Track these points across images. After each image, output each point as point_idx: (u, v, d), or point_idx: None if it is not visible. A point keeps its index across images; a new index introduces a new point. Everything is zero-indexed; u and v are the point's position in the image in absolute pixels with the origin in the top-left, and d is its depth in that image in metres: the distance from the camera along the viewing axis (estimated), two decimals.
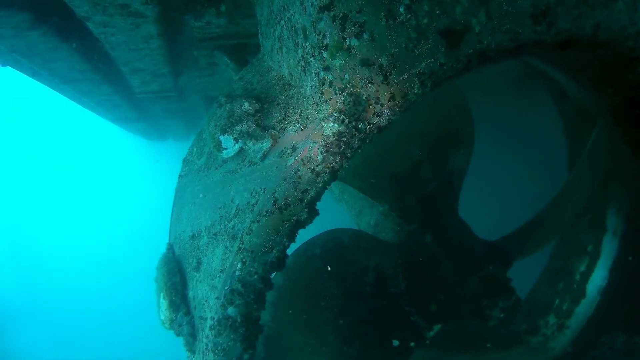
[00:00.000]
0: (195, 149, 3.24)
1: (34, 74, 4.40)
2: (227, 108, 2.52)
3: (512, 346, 3.88)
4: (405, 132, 3.02)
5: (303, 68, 2.27)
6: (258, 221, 2.05)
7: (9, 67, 4.17)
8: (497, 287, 3.24)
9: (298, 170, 2.01)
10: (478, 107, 3.63)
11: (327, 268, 3.48)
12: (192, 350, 2.50)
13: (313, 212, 2.06)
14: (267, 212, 2.04)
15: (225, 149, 2.46)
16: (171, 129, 8.24)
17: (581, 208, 3.87)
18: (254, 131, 2.36)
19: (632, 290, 3.77)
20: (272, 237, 2.05)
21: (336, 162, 1.99)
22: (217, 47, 4.10)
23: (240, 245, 2.09)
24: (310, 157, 1.99)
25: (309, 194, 2.01)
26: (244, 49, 4.07)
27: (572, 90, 3.48)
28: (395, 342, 3.51)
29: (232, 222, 2.26)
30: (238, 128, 2.40)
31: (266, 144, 2.27)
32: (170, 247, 3.14)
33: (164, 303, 2.68)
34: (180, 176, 3.31)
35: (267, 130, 2.33)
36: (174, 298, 2.64)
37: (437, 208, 3.22)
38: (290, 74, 2.51)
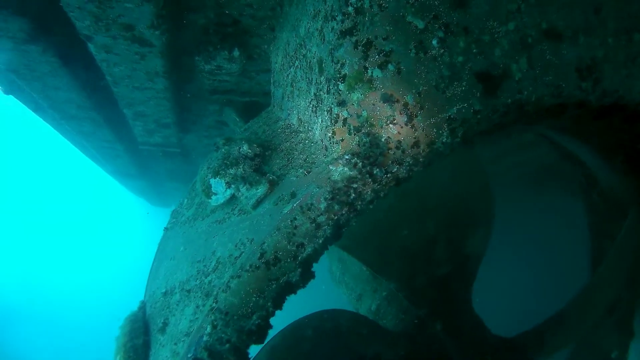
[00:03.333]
0: (186, 200, 2.92)
1: (36, 108, 4.19)
2: (223, 151, 2.22)
3: None
4: (420, 203, 2.69)
5: (314, 109, 1.99)
6: (239, 276, 1.67)
7: (12, 96, 3.98)
8: None
9: (295, 219, 1.65)
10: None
11: (319, 352, 3.02)
12: None
13: (307, 274, 1.67)
14: (251, 266, 1.66)
15: (215, 194, 2.14)
16: (174, 194, 7.91)
17: (606, 309, 3.43)
18: (249, 176, 2.04)
19: None
20: (254, 299, 1.65)
21: (342, 215, 1.64)
22: (228, 102, 3.90)
23: (214, 305, 1.69)
24: (312, 204, 1.65)
25: (305, 250, 1.64)
26: (255, 108, 3.86)
27: (603, 174, 3.18)
28: None
29: (209, 277, 1.87)
30: (232, 171, 2.08)
31: (261, 190, 1.94)
32: (143, 306, 2.73)
33: None
34: (166, 229, 2.97)
35: (265, 175, 2.01)
36: None
37: (450, 294, 2.82)
38: (300, 119, 2.24)
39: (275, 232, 1.66)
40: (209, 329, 1.67)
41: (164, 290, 2.34)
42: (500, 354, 2.97)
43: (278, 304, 1.69)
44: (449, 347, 2.95)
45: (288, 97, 2.46)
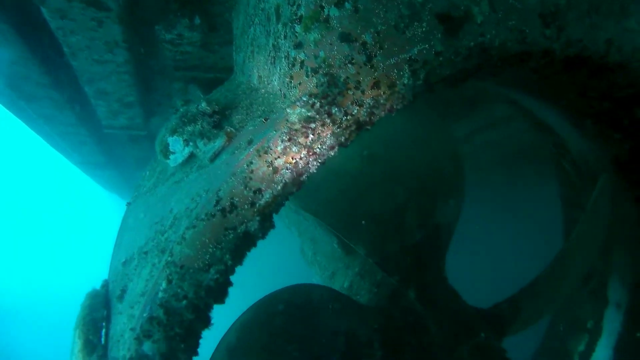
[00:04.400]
0: (147, 172, 2.82)
1: None
2: (181, 110, 2.13)
3: None
4: (389, 169, 2.63)
5: (273, 60, 1.92)
6: (194, 227, 1.58)
7: None
8: (492, 357, 2.71)
9: (251, 162, 1.57)
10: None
11: (291, 328, 2.95)
12: None
13: (267, 223, 1.59)
14: (206, 215, 1.57)
15: (173, 153, 2.04)
16: None
17: (580, 278, 3.42)
18: (207, 131, 1.96)
19: None
20: (211, 250, 1.56)
21: (301, 159, 1.56)
22: (192, 79, 3.80)
23: (169, 259, 1.60)
24: (269, 147, 1.57)
25: (262, 197, 1.56)
26: (220, 85, 3.78)
27: (574, 140, 3.17)
28: None
29: (165, 235, 1.78)
30: (190, 128, 1.99)
31: (219, 142, 1.86)
32: (105, 284, 2.61)
33: (78, 343, 2.12)
34: (128, 204, 2.85)
35: (223, 129, 1.93)
36: (90, 337, 2.08)
37: (422, 262, 2.76)
38: (260, 76, 2.16)
39: (230, 178, 1.58)
40: (164, 284, 1.58)
41: (123, 260, 2.23)
42: (476, 324, 2.93)
43: (237, 257, 1.61)
44: (424, 318, 2.90)
45: (248, 59, 2.38)
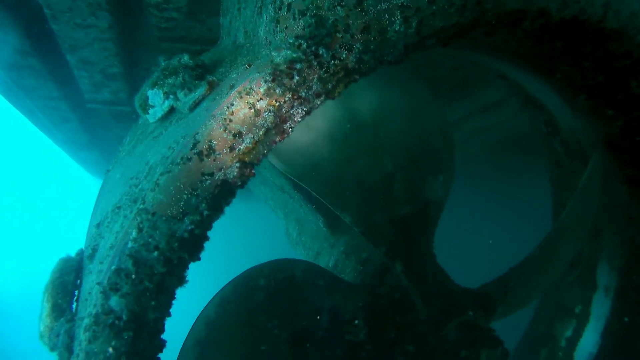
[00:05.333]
0: (128, 138, 2.72)
1: None
2: (163, 65, 2.03)
3: None
4: (377, 138, 2.56)
5: (259, 10, 1.83)
6: (168, 172, 1.48)
7: None
8: (479, 336, 2.64)
9: (232, 104, 1.48)
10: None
11: (273, 303, 2.86)
12: None
13: (246, 171, 1.50)
14: (182, 159, 1.47)
15: (152, 106, 1.95)
16: None
17: (569, 260, 3.37)
18: (189, 83, 1.86)
19: (629, 357, 3.22)
20: (185, 197, 1.46)
21: (285, 102, 1.48)
22: (178, 52, 3.70)
23: (141, 207, 1.50)
24: (251, 88, 1.48)
25: (243, 141, 1.47)
26: None
27: (565, 118, 3.12)
28: None
29: (139, 186, 1.68)
30: (171, 81, 1.90)
31: (200, 91, 1.77)
32: (80, 252, 2.51)
33: (45, 307, 2.02)
34: (107, 171, 2.75)
35: (205, 79, 1.84)
36: (59, 301, 1.98)
37: (410, 235, 2.68)
38: (246, 31, 2.07)
39: (209, 120, 1.49)
40: (134, 233, 1.48)
41: (97, 222, 2.13)
42: (464, 302, 2.86)
43: (214, 207, 1.52)
44: (411, 295, 2.83)
45: (235, 18, 2.29)
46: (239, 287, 2.76)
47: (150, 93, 1.93)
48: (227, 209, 1.61)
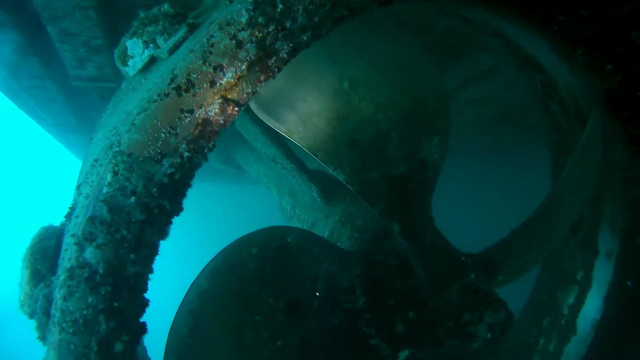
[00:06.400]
0: (111, 102, 2.61)
1: None
2: (142, 15, 1.93)
3: None
4: (369, 95, 2.46)
5: None
6: (145, 110, 1.38)
7: None
8: (482, 299, 2.56)
9: (212, 36, 1.38)
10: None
11: (266, 272, 2.76)
12: (43, 336, 1.70)
13: (229, 107, 1.40)
14: (159, 95, 1.37)
15: (132, 57, 1.84)
16: None
17: (570, 223, 3.29)
18: (169, 28, 1.76)
19: (632, 322, 3.15)
20: (163, 136, 1.36)
21: (268, 33, 1.38)
22: None
23: (116, 149, 1.40)
24: (232, 18, 1.38)
25: (225, 74, 1.37)
26: None
27: (562, 76, 3.03)
28: None
29: (116, 132, 1.58)
30: (151, 29, 1.80)
31: (180, 33, 1.66)
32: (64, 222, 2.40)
33: (25, 274, 1.91)
34: (90, 138, 2.64)
35: (185, 22, 1.73)
36: (38, 266, 1.87)
37: (407, 195, 2.59)
38: None
39: (188, 55, 1.39)
40: (108, 177, 1.38)
41: (78, 184, 2.03)
42: (465, 265, 2.78)
43: (195, 149, 1.42)
44: (410, 259, 2.74)
45: None
46: (231, 256, 2.66)
47: (129, 43, 1.82)
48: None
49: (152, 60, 1.84)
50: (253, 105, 2.22)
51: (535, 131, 5.41)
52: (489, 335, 2.54)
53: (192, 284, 2.60)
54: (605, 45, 2.57)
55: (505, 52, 3.29)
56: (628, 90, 2.76)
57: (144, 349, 2.19)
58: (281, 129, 2.25)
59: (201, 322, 2.58)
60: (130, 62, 1.85)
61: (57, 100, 4.75)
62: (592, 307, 3.37)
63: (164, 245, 1.67)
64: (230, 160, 5.46)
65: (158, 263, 1.74)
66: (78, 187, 2.01)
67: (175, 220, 1.60)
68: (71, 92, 4.61)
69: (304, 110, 2.21)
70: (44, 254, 1.94)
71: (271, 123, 2.27)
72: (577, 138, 3.15)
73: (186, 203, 1.55)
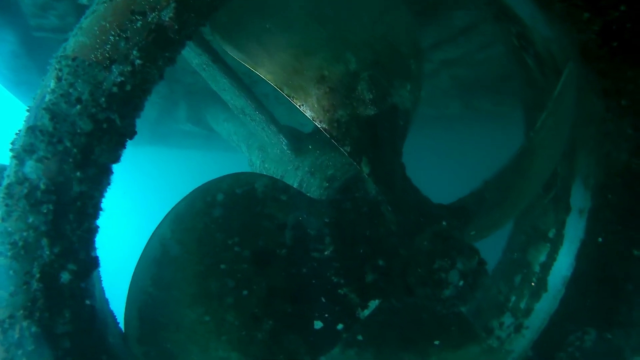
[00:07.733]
0: None
1: None
2: None
3: (465, 345, 3.12)
4: (339, 33, 2.37)
5: None
6: (93, 12, 1.26)
7: None
8: (454, 245, 2.52)
9: None
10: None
11: (232, 220, 2.66)
12: None
13: (185, 14, 1.28)
14: None
15: None
16: None
17: (542, 181, 3.28)
18: None
19: (603, 278, 3.15)
20: (112, 39, 1.24)
21: None
22: None
23: (61, 54, 1.28)
24: None
25: None
26: None
27: (539, 27, 2.98)
28: (318, 324, 2.70)
29: None
30: None
31: None
32: None
33: None
34: None
35: None
36: None
37: (377, 138, 2.52)
38: None
39: None
40: (52, 84, 1.26)
41: None
42: (437, 212, 2.73)
43: (148, 57, 1.30)
44: (380, 206, 2.67)
45: None
46: (196, 202, 2.56)
47: None
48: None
49: None
50: (218, 37, 2.10)
51: (509, 96, 5.41)
52: (461, 282, 2.51)
53: (154, 231, 2.49)
54: None
55: (482, 3, 3.22)
56: (605, 40, 2.71)
57: (102, 290, 2.10)
58: (248, 62, 2.14)
59: (164, 270, 2.49)
60: None
61: (19, 55, 4.52)
62: (563, 265, 3.37)
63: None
64: (200, 121, 5.35)
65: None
66: None
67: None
68: (34, 45, 4.39)
69: (270, 43, 2.10)
70: None
71: (236, 54, 2.15)
72: (550, 94, 3.12)
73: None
